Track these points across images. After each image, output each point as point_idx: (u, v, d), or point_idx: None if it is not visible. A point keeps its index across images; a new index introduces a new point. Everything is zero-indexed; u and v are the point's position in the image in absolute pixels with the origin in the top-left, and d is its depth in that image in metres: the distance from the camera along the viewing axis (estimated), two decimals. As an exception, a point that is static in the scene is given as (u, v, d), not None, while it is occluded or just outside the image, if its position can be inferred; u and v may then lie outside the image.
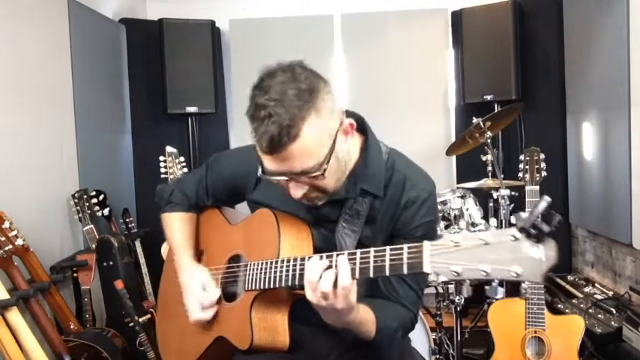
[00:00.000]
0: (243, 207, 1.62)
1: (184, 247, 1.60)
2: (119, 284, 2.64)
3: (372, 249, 1.11)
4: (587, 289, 3.02)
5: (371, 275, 1.11)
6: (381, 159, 1.37)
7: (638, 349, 2.32)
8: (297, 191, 1.24)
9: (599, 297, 2.86)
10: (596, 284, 3.08)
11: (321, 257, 1.19)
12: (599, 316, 2.65)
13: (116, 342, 2.65)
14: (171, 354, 1.66)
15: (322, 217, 1.38)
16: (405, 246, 1.06)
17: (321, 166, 1.19)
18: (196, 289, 1.49)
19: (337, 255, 1.16)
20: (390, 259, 1.08)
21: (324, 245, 1.37)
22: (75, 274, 2.86)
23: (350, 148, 1.32)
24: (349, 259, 1.14)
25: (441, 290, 2.79)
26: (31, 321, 2.28)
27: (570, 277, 3.28)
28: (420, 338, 2.37)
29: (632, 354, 2.33)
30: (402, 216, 1.36)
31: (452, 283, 2.61)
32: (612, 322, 2.55)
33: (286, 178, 1.22)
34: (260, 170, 1.25)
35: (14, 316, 2.09)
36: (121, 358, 2.58)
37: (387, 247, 1.09)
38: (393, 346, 1.48)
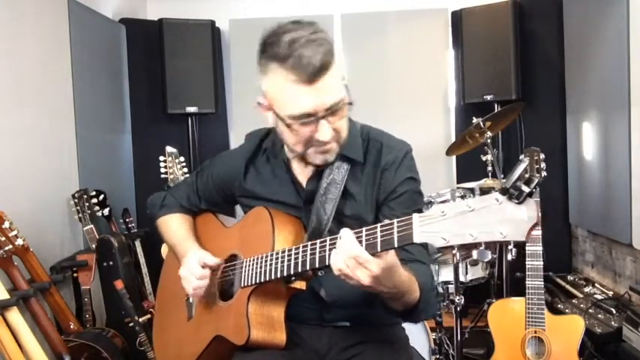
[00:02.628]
0: (239, 212, 1.63)
1: (188, 240, 1.59)
2: (119, 284, 2.64)
3: (363, 229, 1.13)
4: (587, 289, 3.02)
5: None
6: (355, 130, 1.43)
7: (638, 349, 2.32)
8: (326, 131, 1.25)
9: (599, 297, 2.86)
10: (596, 284, 3.08)
11: (314, 247, 1.20)
12: (599, 316, 2.65)
13: (116, 342, 2.65)
14: (169, 357, 1.65)
15: (310, 195, 1.41)
16: (395, 220, 1.09)
17: (345, 100, 1.25)
18: (192, 260, 1.48)
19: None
20: (382, 235, 1.10)
21: (315, 222, 1.39)
22: (75, 274, 2.86)
23: None
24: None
25: (441, 290, 2.79)
26: (31, 321, 2.28)
27: (570, 277, 3.28)
28: (420, 338, 2.37)
29: (632, 354, 2.33)
30: (383, 180, 1.39)
31: (452, 283, 2.62)
32: (612, 322, 2.55)
33: (319, 117, 1.24)
34: (287, 116, 1.25)
35: (14, 316, 2.09)
36: (121, 358, 2.58)
37: (378, 225, 1.11)
38: (395, 346, 1.49)
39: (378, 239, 1.10)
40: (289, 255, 1.27)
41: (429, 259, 1.40)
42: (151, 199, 1.74)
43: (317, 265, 1.21)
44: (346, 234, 1.11)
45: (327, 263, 1.17)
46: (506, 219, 0.96)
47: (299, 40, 1.20)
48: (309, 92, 1.21)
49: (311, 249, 1.23)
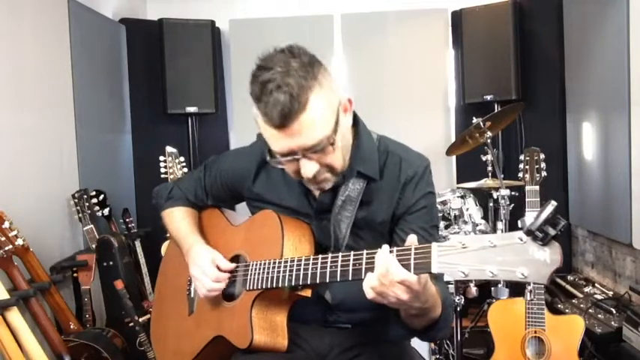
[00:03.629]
0: (243, 208, 1.62)
1: (193, 235, 1.57)
2: (119, 284, 2.64)
3: (379, 250, 1.11)
4: (587, 289, 3.02)
5: None
6: (372, 143, 1.40)
7: (638, 349, 2.32)
8: (309, 168, 1.23)
9: (599, 297, 2.86)
10: (596, 284, 3.08)
11: (325, 262, 1.19)
12: (599, 316, 2.65)
13: (116, 342, 2.65)
14: (167, 353, 1.65)
15: (321, 206, 1.39)
16: (413, 247, 1.07)
17: (329, 137, 1.21)
18: (205, 260, 1.45)
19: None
20: (398, 260, 1.08)
21: (323, 237, 1.39)
22: (75, 274, 2.86)
23: (349, 127, 1.33)
24: (355, 259, 1.14)
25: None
26: (31, 321, 2.28)
27: (570, 277, 3.28)
28: (420, 338, 2.37)
29: (632, 354, 2.33)
30: (403, 195, 1.38)
31: (452, 283, 2.62)
32: (612, 322, 2.55)
33: (298, 156, 1.22)
34: (268, 156, 1.25)
35: (14, 316, 2.09)
36: (121, 358, 2.58)
37: (395, 248, 1.09)
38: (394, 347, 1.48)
39: None
40: (298, 265, 1.26)
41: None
42: (157, 189, 1.73)
43: (338, 279, 1.19)
44: (384, 255, 1.09)
45: (349, 278, 1.16)
46: (528, 260, 0.95)
47: (272, 81, 1.16)
48: (283, 136, 1.19)
49: (322, 261, 1.22)
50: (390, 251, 1.09)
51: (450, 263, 1.01)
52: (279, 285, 1.29)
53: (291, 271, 1.27)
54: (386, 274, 1.07)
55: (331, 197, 1.38)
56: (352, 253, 1.18)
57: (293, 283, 1.27)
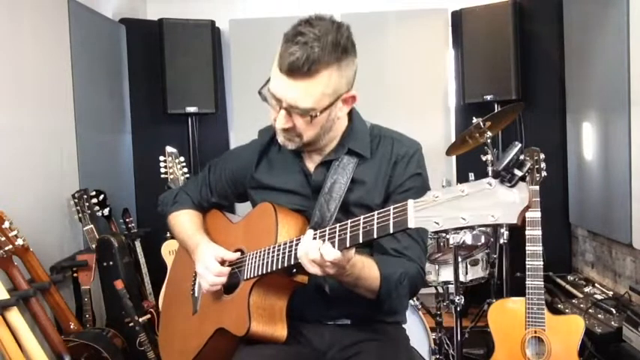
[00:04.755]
0: (243, 209, 1.63)
1: (198, 234, 1.60)
2: (119, 284, 2.64)
3: (361, 217, 1.16)
4: (587, 289, 3.02)
5: (360, 241, 1.15)
6: (365, 127, 1.49)
7: (638, 349, 2.32)
8: (282, 121, 1.33)
9: (599, 297, 2.86)
10: (596, 284, 3.08)
11: (315, 236, 1.22)
12: (599, 316, 2.65)
13: (116, 342, 2.65)
14: (174, 354, 1.65)
15: (316, 184, 1.44)
16: (391, 207, 1.11)
17: (315, 111, 1.30)
18: (208, 255, 1.49)
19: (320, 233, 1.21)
20: (378, 222, 1.12)
21: (318, 215, 1.41)
22: (75, 274, 2.86)
23: (342, 117, 1.41)
24: (341, 230, 1.18)
25: (441, 290, 2.79)
26: (31, 321, 2.28)
27: (570, 277, 3.28)
28: (420, 338, 2.37)
29: (632, 354, 2.33)
30: (393, 173, 1.43)
31: (452, 283, 2.62)
32: (612, 322, 2.55)
33: (282, 105, 1.31)
34: (264, 89, 1.33)
35: (14, 316, 2.09)
36: (121, 358, 2.58)
37: (375, 212, 1.14)
38: (396, 343, 1.49)
39: (375, 226, 1.12)
40: (290, 246, 1.29)
41: (419, 255, 1.42)
42: (163, 196, 1.76)
43: None
44: (305, 241, 1.21)
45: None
46: (499, 202, 0.98)
47: (304, 35, 1.25)
48: (282, 81, 1.29)
49: (312, 237, 1.23)
50: (372, 214, 1.14)
51: (425, 216, 1.04)
52: (274, 268, 1.31)
53: (284, 252, 1.30)
54: (305, 256, 1.20)
55: (325, 175, 1.43)
56: (331, 227, 1.21)
57: (286, 264, 1.28)
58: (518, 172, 0.96)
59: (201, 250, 1.53)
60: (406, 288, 1.38)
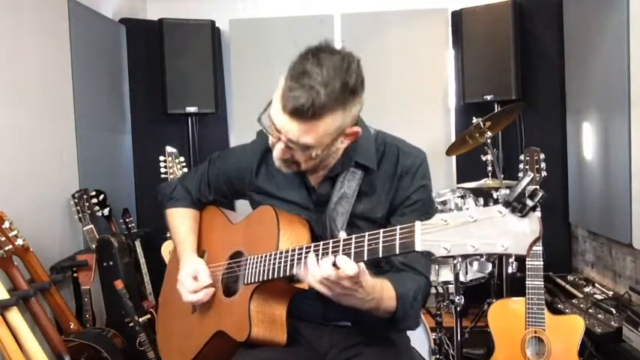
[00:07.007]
0: (243, 208, 1.63)
1: (186, 241, 1.62)
2: (119, 284, 2.64)
3: (366, 233, 1.14)
4: (587, 289, 3.02)
5: (365, 259, 1.13)
6: (370, 136, 1.44)
7: (638, 349, 2.32)
8: (280, 152, 1.30)
9: (599, 297, 2.86)
10: (596, 284, 3.08)
11: (317, 250, 1.21)
12: (599, 316, 2.65)
13: (116, 342, 2.64)
14: (173, 353, 1.66)
15: (320, 198, 1.42)
16: (398, 227, 1.09)
17: (316, 149, 1.27)
18: (186, 274, 1.51)
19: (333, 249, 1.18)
20: (383, 241, 1.10)
21: (322, 230, 1.41)
22: (75, 274, 2.86)
23: (342, 147, 1.36)
24: (344, 245, 1.16)
25: (441, 290, 2.79)
26: (31, 321, 2.28)
27: (570, 277, 3.27)
28: (420, 338, 2.37)
29: (632, 354, 2.33)
30: (399, 185, 1.41)
31: (452, 283, 2.62)
32: (612, 322, 2.55)
33: (281, 138, 1.27)
34: (264, 115, 1.29)
35: (14, 316, 2.08)
36: (121, 358, 2.58)
37: (381, 230, 1.12)
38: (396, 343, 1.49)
39: (380, 245, 1.10)
40: (292, 254, 1.28)
41: (426, 267, 1.41)
42: (162, 186, 1.77)
43: None
44: (309, 261, 1.18)
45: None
46: (508, 232, 0.96)
47: (310, 78, 1.19)
48: (285, 119, 1.24)
49: (314, 250, 1.22)
50: (378, 232, 1.12)
51: (432, 240, 1.02)
52: (275, 276, 1.30)
53: (285, 261, 1.29)
54: (307, 274, 1.17)
55: (329, 190, 1.41)
56: (332, 240, 1.19)
57: (288, 273, 1.28)
58: (529, 202, 0.95)
59: (182, 263, 1.56)
60: (420, 303, 1.37)
